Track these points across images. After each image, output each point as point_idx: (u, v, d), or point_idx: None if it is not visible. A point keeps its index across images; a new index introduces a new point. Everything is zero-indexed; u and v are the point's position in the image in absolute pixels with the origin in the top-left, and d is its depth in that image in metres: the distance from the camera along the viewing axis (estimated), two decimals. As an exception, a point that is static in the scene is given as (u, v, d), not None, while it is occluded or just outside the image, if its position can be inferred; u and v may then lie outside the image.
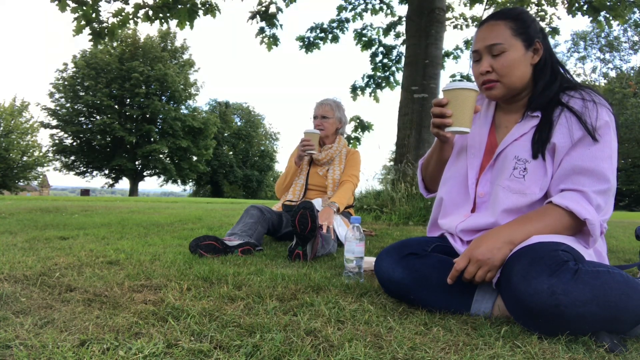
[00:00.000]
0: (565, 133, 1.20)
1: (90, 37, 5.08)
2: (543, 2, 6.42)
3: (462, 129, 1.23)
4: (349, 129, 7.20)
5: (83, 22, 4.95)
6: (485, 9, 6.73)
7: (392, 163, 5.48)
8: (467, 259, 1.14)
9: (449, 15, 7.55)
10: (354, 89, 7.91)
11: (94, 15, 4.97)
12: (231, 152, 39.74)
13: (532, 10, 6.50)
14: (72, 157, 28.30)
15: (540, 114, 1.26)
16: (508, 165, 1.27)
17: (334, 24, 7.70)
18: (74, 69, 27.17)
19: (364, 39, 7.86)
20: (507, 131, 1.34)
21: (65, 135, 27.55)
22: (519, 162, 1.26)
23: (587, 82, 29.11)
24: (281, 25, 6.53)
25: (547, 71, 1.30)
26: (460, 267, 1.14)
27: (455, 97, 1.24)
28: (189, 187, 38.00)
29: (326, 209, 2.38)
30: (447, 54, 7.90)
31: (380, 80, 7.89)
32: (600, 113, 1.19)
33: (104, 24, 5.07)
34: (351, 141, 7.18)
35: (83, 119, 27.78)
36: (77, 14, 4.88)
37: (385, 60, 7.89)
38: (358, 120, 7.18)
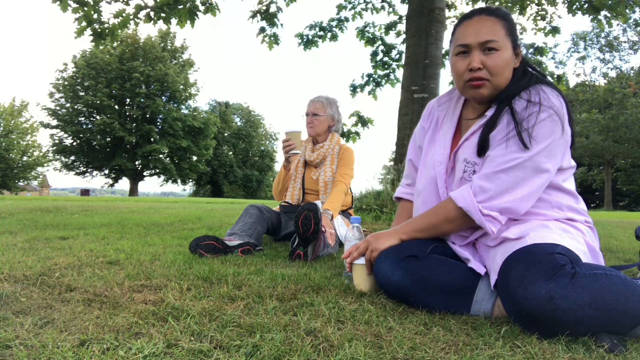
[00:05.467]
0: (499, 131, 1.22)
1: (92, 38, 5.08)
2: (543, 1, 6.41)
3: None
4: (349, 123, 7.20)
5: (84, 24, 4.95)
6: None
7: (392, 163, 5.47)
8: (369, 237, 1.39)
9: (449, 14, 7.55)
10: (353, 87, 7.91)
11: (95, 15, 4.97)
12: (231, 152, 39.73)
13: (533, 9, 6.49)
14: (72, 157, 28.29)
15: (492, 112, 1.26)
16: (459, 168, 1.29)
17: (333, 23, 7.70)
18: (74, 69, 27.17)
19: (367, 35, 7.86)
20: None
21: (65, 135, 27.56)
22: (468, 165, 1.26)
23: (587, 82, 29.12)
24: (282, 25, 6.53)
25: (519, 74, 1.30)
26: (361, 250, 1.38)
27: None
28: (189, 187, 38.03)
29: (322, 217, 2.34)
30: (448, 53, 7.89)
31: (379, 79, 7.89)
32: (540, 115, 1.17)
33: (105, 25, 5.07)
34: (351, 135, 7.17)
35: (83, 119, 27.79)
36: (78, 15, 4.88)
37: (386, 59, 7.89)
38: (358, 116, 7.18)
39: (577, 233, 1.22)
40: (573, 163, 1.30)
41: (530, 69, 1.32)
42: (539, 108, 1.18)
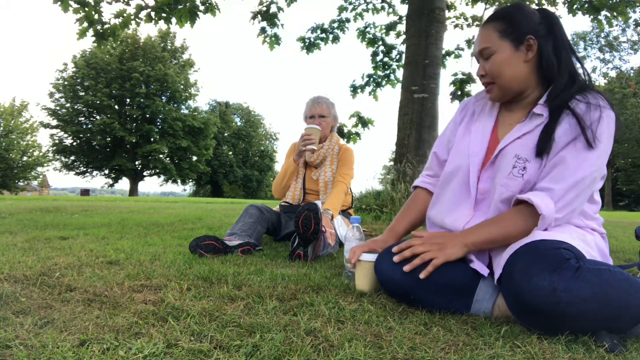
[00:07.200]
0: (564, 134, 1.21)
1: (94, 38, 5.09)
2: (543, 1, 6.41)
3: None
4: (349, 124, 7.22)
5: (86, 25, 4.96)
6: (485, 8, 6.72)
7: (392, 163, 5.47)
8: (424, 238, 1.27)
9: (449, 14, 7.55)
10: (353, 88, 7.91)
11: (96, 16, 4.97)
12: (231, 152, 39.74)
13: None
14: (72, 157, 28.29)
15: (548, 113, 1.26)
16: (508, 163, 1.27)
17: (335, 24, 7.70)
18: (74, 69, 27.16)
19: (368, 36, 7.86)
20: (510, 129, 1.34)
21: (65, 135, 27.55)
22: (519, 161, 1.26)
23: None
24: (282, 25, 6.53)
25: (564, 73, 1.27)
26: (415, 241, 1.27)
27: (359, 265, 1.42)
28: (189, 187, 38.05)
29: (322, 217, 2.34)
30: (448, 53, 7.88)
31: (380, 79, 7.89)
32: (602, 119, 1.19)
33: (106, 25, 5.08)
34: (351, 136, 7.16)
35: (83, 119, 27.78)
36: (79, 15, 4.89)
37: (386, 59, 7.89)
38: (358, 117, 7.17)
39: (590, 238, 1.23)
40: (606, 170, 1.31)
41: (571, 61, 1.31)
42: (600, 111, 1.20)
